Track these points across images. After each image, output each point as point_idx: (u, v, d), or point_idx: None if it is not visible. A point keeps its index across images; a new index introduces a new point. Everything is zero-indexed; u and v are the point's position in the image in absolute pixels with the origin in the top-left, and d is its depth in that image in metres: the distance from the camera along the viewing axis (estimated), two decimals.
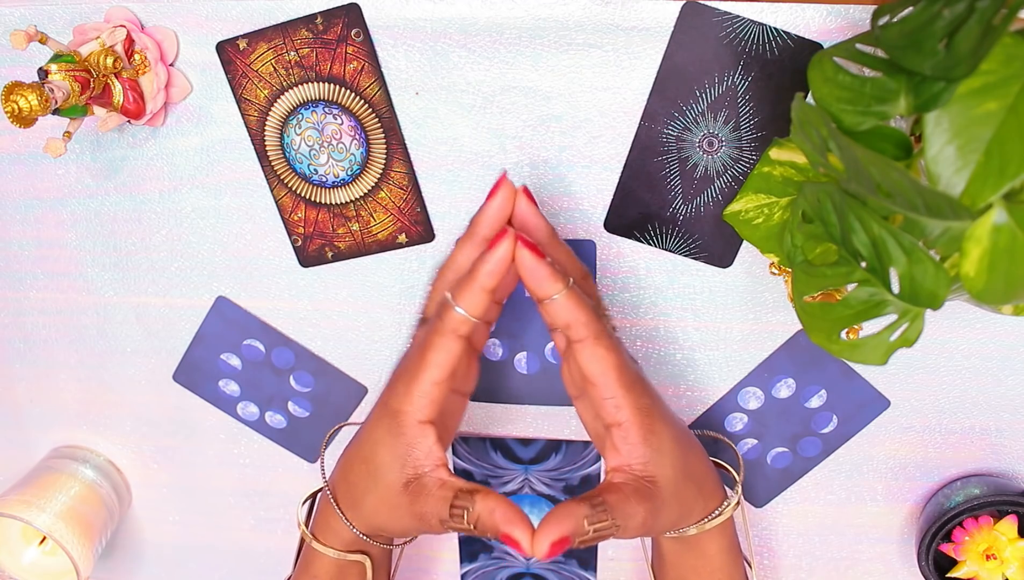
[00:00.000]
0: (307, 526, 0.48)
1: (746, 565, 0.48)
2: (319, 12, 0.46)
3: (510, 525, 0.38)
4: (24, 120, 0.41)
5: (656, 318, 0.52)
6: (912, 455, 0.54)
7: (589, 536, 0.38)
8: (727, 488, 0.47)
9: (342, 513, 0.45)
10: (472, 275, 0.40)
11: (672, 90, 0.46)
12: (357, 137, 0.49)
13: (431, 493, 0.40)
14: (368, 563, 0.46)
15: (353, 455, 0.44)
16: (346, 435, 0.57)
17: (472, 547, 0.60)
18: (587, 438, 0.55)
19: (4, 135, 0.52)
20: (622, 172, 0.48)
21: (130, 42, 0.46)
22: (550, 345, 0.53)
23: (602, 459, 0.56)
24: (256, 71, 0.48)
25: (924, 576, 0.53)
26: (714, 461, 0.48)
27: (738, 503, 0.46)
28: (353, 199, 0.51)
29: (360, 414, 0.57)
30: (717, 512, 0.45)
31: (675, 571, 0.47)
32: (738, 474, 0.48)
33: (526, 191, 0.43)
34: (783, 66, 0.45)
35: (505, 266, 0.40)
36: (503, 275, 0.40)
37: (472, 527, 0.39)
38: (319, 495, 0.48)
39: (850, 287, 0.35)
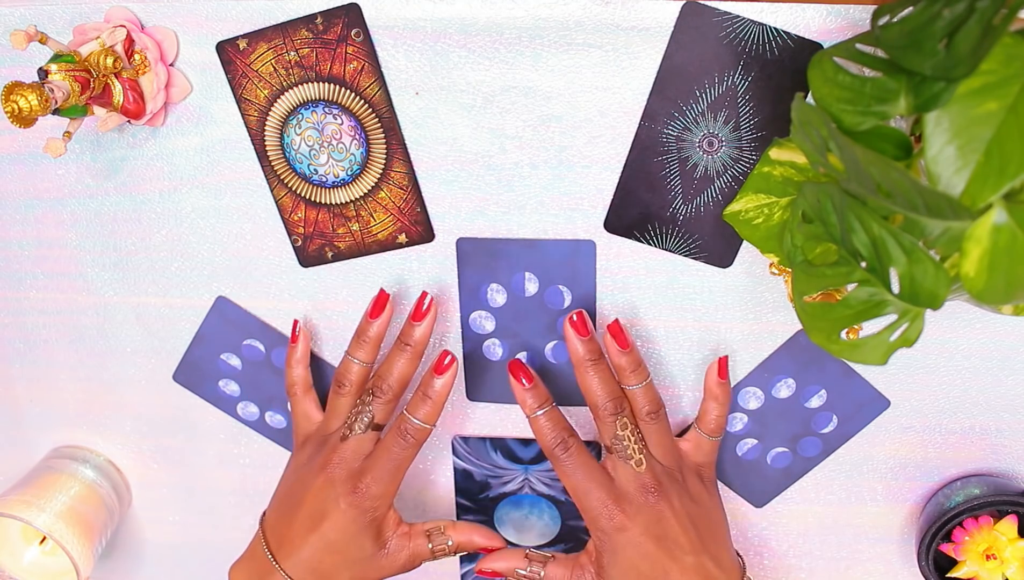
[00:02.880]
0: None
1: None
2: (319, 12, 0.46)
3: (490, 539, 0.52)
4: (24, 120, 0.41)
5: (656, 318, 0.52)
6: (912, 455, 0.54)
7: None
8: None
9: (272, 555, 0.51)
10: (426, 393, 0.50)
11: (672, 90, 0.46)
12: (357, 137, 0.49)
13: (404, 547, 0.51)
14: None
15: (319, 546, 0.50)
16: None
17: None
18: (587, 438, 0.55)
19: (4, 135, 0.52)
20: (622, 172, 0.48)
21: (130, 42, 0.46)
22: (550, 345, 0.53)
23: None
24: (256, 71, 0.48)
25: (924, 576, 0.53)
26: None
27: None
28: (353, 199, 0.51)
29: None
30: None
31: None
32: None
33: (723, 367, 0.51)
34: (783, 66, 0.45)
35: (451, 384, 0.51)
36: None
37: (456, 551, 0.52)
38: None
39: (850, 287, 0.35)
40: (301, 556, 0.49)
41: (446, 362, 0.49)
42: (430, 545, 0.51)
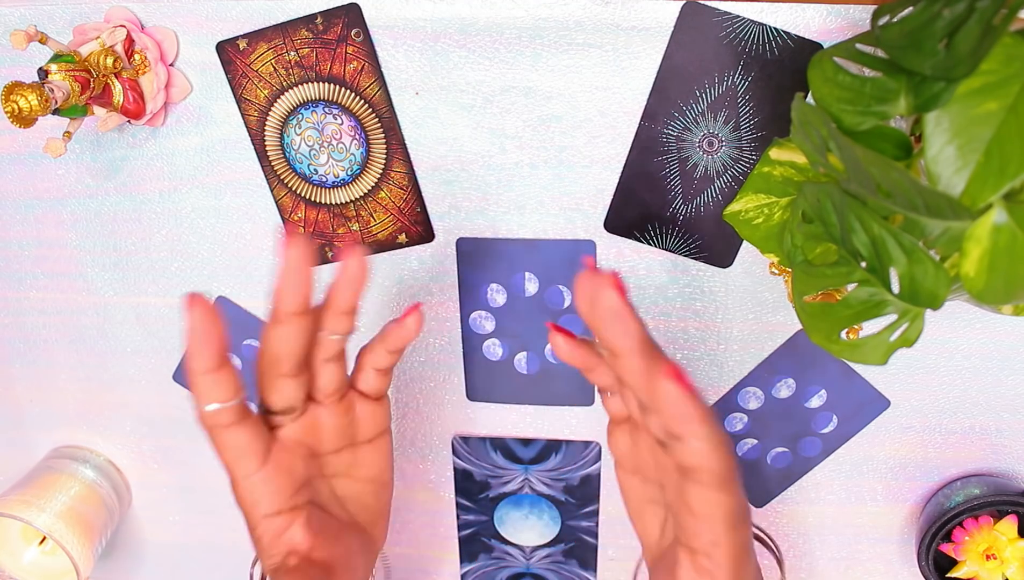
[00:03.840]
0: None
1: None
2: (319, 12, 0.46)
3: None
4: (24, 120, 0.41)
5: (656, 318, 0.52)
6: (912, 455, 0.54)
7: None
8: None
9: None
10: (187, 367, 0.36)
11: (672, 90, 0.46)
12: (357, 137, 0.49)
13: None
14: None
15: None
16: None
17: (472, 548, 0.60)
18: (587, 438, 0.55)
19: (4, 135, 0.52)
20: (622, 172, 0.48)
21: (130, 42, 0.46)
22: (550, 345, 0.53)
23: (604, 468, 0.56)
24: (256, 71, 0.48)
25: (924, 576, 0.53)
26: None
27: None
28: (353, 199, 0.51)
29: None
30: None
31: None
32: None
33: (616, 284, 0.34)
34: (783, 66, 0.45)
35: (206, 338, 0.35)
36: (210, 350, 0.35)
37: None
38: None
39: (850, 287, 0.35)
40: None
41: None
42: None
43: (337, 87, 0.48)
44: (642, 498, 0.42)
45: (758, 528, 0.46)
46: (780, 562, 0.47)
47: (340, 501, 0.43)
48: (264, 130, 0.50)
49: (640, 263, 0.51)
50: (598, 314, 0.34)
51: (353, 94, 0.48)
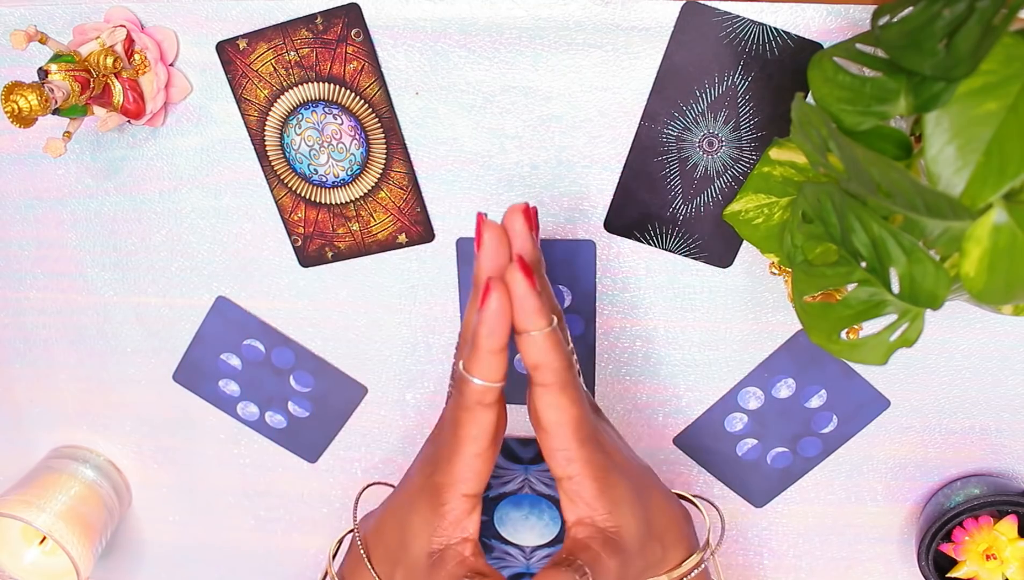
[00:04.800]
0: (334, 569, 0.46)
1: None
2: (319, 12, 0.46)
3: None
4: (24, 120, 0.41)
5: (656, 318, 0.52)
6: (912, 455, 0.54)
7: None
8: (697, 538, 0.44)
9: (372, 567, 0.43)
10: (475, 343, 0.36)
11: (672, 90, 0.46)
12: (357, 137, 0.49)
13: (447, 567, 0.39)
14: None
15: (388, 517, 0.43)
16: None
17: None
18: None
19: (4, 135, 0.52)
20: (622, 172, 0.48)
21: (130, 42, 0.46)
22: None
23: None
24: (256, 71, 0.48)
25: (924, 576, 0.53)
26: (696, 497, 0.46)
27: (702, 556, 0.42)
28: (353, 199, 0.51)
29: (360, 414, 0.57)
30: (684, 565, 0.42)
31: None
32: (717, 524, 0.45)
33: (527, 213, 0.39)
34: (783, 66, 0.45)
35: (505, 319, 0.36)
36: (506, 329, 0.36)
37: None
38: (348, 541, 0.46)
39: (850, 287, 0.35)
40: (375, 523, 0.44)
41: (488, 295, 0.36)
42: None
43: (337, 87, 0.48)
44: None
45: (699, 496, 0.46)
46: (722, 520, 0.47)
47: None
48: (264, 130, 0.50)
49: (640, 263, 0.51)
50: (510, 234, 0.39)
51: (353, 94, 0.48)
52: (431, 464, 0.41)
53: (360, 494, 0.48)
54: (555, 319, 0.38)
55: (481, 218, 0.38)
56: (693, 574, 0.42)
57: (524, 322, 0.37)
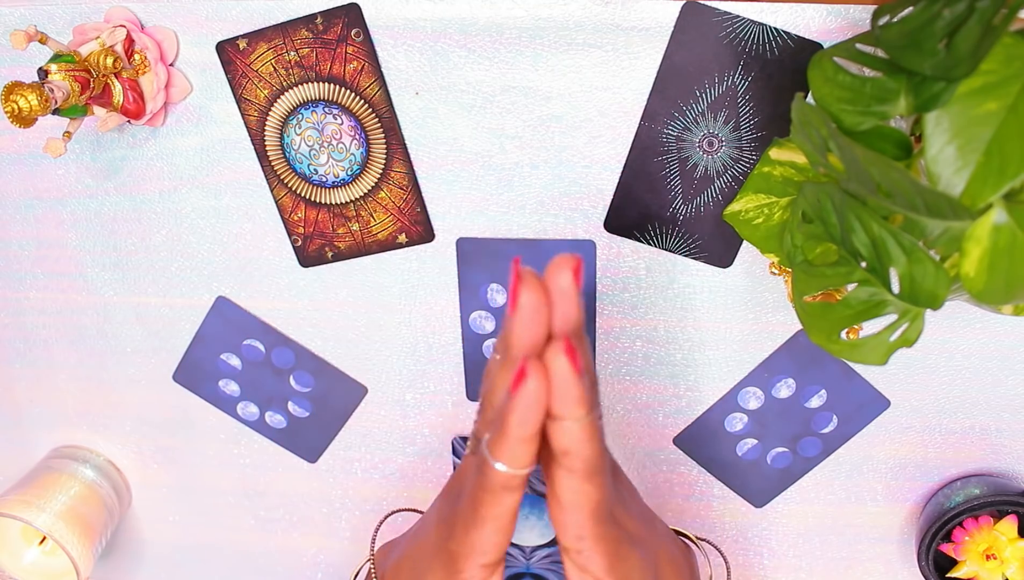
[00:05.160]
0: None
1: None
2: (319, 12, 0.46)
3: None
4: (24, 120, 0.41)
5: (656, 318, 0.52)
6: (912, 455, 0.54)
7: None
8: (699, 574, 0.42)
9: None
10: (504, 429, 0.32)
11: (672, 90, 0.46)
12: (357, 137, 0.49)
13: None
14: None
15: (405, 566, 0.40)
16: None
17: None
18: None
19: (4, 135, 0.52)
20: (622, 172, 0.48)
21: (130, 42, 0.46)
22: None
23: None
24: (256, 71, 0.48)
25: (924, 576, 0.53)
26: (700, 540, 0.44)
27: None
28: (353, 199, 0.51)
29: (360, 414, 0.57)
30: None
31: None
32: (722, 569, 0.44)
33: (576, 269, 0.32)
34: (783, 66, 0.45)
35: (541, 408, 0.31)
36: (540, 418, 0.31)
37: None
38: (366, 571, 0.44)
39: (850, 287, 0.35)
40: (391, 568, 0.41)
41: (523, 378, 0.31)
42: None
43: (337, 87, 0.48)
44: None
45: (703, 539, 0.45)
46: (727, 567, 0.46)
47: None
48: (264, 130, 0.50)
49: (640, 263, 0.51)
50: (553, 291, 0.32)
51: (353, 94, 0.48)
52: (447, 526, 0.37)
53: (380, 523, 0.46)
54: (597, 407, 0.34)
55: (518, 270, 0.32)
56: None
57: (560, 409, 0.32)
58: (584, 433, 0.32)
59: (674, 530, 0.44)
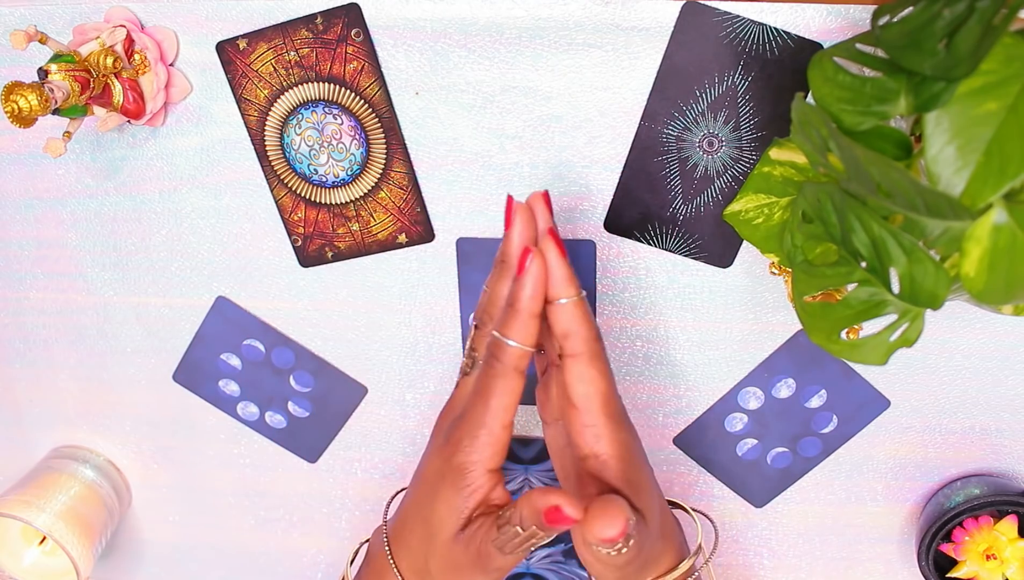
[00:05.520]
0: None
1: None
2: (319, 12, 0.46)
3: (547, 497, 0.35)
4: (24, 120, 0.41)
5: (656, 318, 0.52)
6: (912, 455, 0.54)
7: (629, 534, 0.37)
8: (688, 546, 0.44)
9: (400, 574, 0.42)
10: (515, 306, 0.38)
11: (672, 90, 0.46)
12: (357, 137, 0.49)
13: (481, 524, 0.39)
14: None
15: (410, 516, 0.42)
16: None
17: None
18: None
19: (4, 135, 0.52)
20: (622, 172, 0.48)
21: (130, 42, 0.46)
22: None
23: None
24: (256, 71, 0.48)
25: (924, 576, 0.53)
26: (694, 510, 0.46)
27: (694, 562, 0.42)
28: (353, 199, 0.51)
29: (360, 414, 0.57)
30: (680, 567, 0.41)
31: None
32: (711, 534, 0.44)
33: (546, 198, 0.41)
34: (783, 66, 0.45)
35: (543, 283, 0.38)
36: (543, 294, 0.38)
37: (522, 528, 0.37)
38: (366, 549, 0.46)
39: (850, 287, 0.35)
40: (395, 525, 0.43)
41: (527, 260, 0.38)
42: (495, 537, 0.38)
43: (337, 87, 0.48)
44: (560, 444, 0.43)
45: (697, 510, 0.46)
46: (715, 530, 0.46)
47: None
48: (264, 130, 0.50)
49: (640, 263, 0.51)
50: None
51: (353, 94, 0.48)
52: (451, 444, 0.40)
53: (392, 499, 0.47)
54: (583, 293, 0.39)
55: (511, 198, 0.41)
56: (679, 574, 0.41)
57: (556, 290, 0.39)
58: (579, 310, 0.39)
59: (668, 501, 0.45)
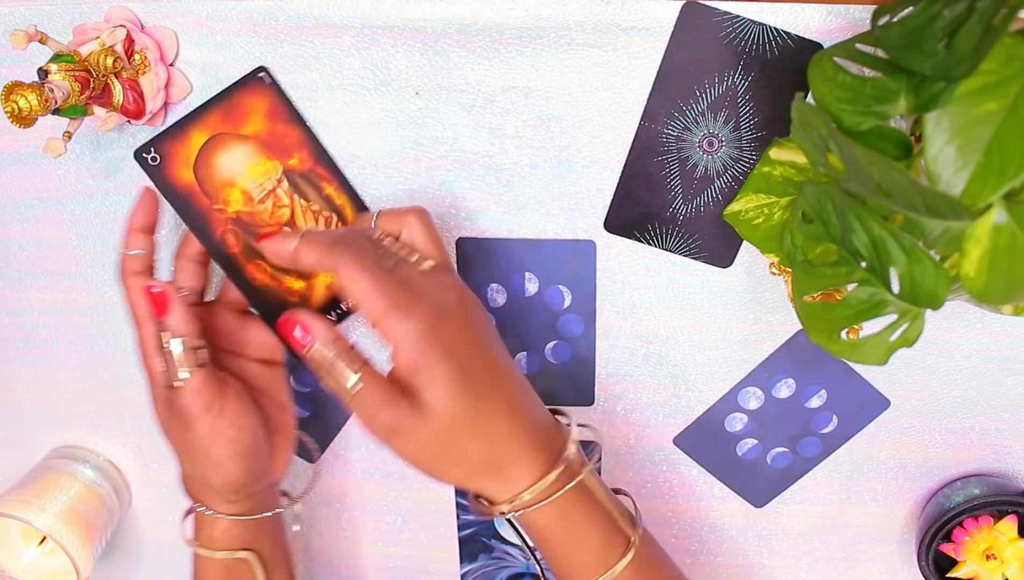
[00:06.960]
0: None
1: (623, 502, 0.45)
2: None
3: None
4: (24, 120, 0.40)
5: (656, 318, 0.52)
6: (912, 455, 0.54)
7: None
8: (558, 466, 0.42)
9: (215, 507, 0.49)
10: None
11: (672, 90, 0.46)
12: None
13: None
14: (254, 559, 0.50)
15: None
16: None
17: (472, 548, 0.60)
18: (588, 437, 0.55)
19: (4, 135, 0.52)
20: (622, 172, 0.48)
21: (130, 42, 0.46)
22: (550, 345, 0.53)
23: (604, 469, 0.56)
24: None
25: (924, 576, 0.53)
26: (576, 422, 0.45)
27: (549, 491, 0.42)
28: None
29: None
30: (525, 491, 0.41)
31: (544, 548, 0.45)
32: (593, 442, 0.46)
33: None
34: (783, 66, 0.45)
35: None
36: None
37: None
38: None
39: (850, 287, 0.35)
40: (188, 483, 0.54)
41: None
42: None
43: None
44: None
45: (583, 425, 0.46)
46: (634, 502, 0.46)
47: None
48: None
49: (640, 263, 0.51)
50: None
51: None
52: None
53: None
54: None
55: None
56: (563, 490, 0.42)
57: (284, 248, 0.43)
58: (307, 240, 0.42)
59: (551, 409, 0.46)
